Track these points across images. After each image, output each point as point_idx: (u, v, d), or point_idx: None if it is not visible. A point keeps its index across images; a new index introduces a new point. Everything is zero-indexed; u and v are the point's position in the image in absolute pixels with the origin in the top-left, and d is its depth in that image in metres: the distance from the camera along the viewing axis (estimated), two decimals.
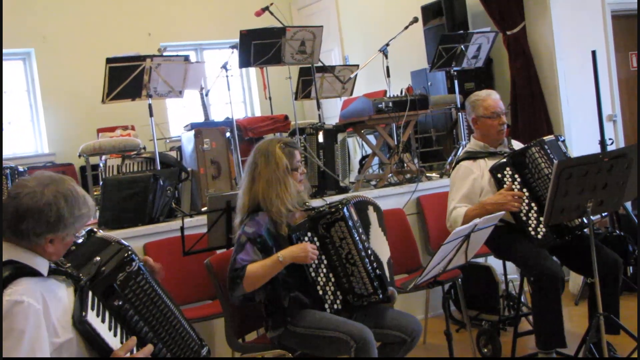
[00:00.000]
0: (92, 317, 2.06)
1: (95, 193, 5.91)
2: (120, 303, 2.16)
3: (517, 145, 4.09)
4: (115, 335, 2.13)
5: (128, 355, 2.11)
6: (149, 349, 2.19)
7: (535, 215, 3.70)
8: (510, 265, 4.46)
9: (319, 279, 3.10)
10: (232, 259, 3.02)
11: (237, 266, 2.97)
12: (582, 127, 6.42)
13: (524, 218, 3.71)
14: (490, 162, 3.87)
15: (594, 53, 5.36)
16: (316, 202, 3.34)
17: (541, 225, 3.67)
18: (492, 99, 3.99)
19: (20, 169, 5.23)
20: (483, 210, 3.68)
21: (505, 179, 3.77)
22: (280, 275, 3.06)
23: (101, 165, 6.33)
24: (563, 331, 3.62)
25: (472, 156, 3.98)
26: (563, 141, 4.01)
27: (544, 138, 3.90)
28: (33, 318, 1.95)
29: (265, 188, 3.11)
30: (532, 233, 3.69)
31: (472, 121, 4.05)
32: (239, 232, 3.11)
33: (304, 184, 3.28)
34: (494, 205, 3.67)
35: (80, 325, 2.03)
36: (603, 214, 3.98)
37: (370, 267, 3.11)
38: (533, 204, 3.72)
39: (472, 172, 3.90)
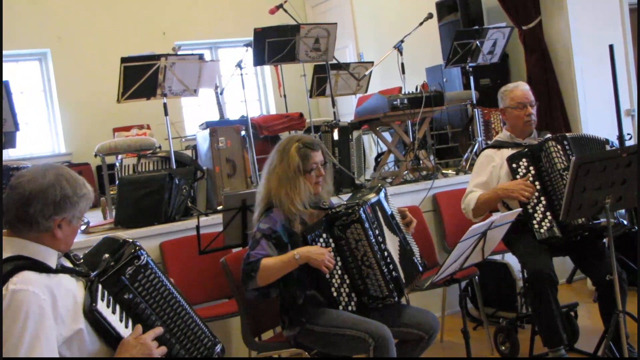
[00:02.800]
0: (102, 307, 2.08)
1: (111, 192, 5.92)
2: (130, 297, 2.17)
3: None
4: (126, 327, 2.15)
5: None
6: (158, 330, 2.19)
7: (542, 209, 3.68)
8: None
9: (334, 280, 3.08)
10: (246, 254, 3.03)
11: (252, 260, 2.97)
12: (600, 122, 6.36)
13: (530, 211, 3.70)
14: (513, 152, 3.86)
15: (611, 47, 5.30)
16: (333, 200, 3.32)
17: (546, 221, 3.66)
18: (520, 89, 3.99)
19: None
20: (494, 195, 3.77)
21: (519, 170, 3.76)
22: (294, 274, 3.05)
23: (117, 164, 6.35)
24: (559, 330, 3.58)
25: (497, 145, 4.00)
26: (612, 145, 3.89)
27: (567, 134, 3.88)
28: (36, 307, 1.95)
29: (277, 185, 3.13)
30: (536, 227, 3.67)
31: (500, 112, 4.07)
32: (254, 228, 3.12)
33: (325, 187, 3.25)
34: (505, 191, 3.72)
35: (91, 314, 2.05)
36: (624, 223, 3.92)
37: (386, 270, 3.09)
38: (542, 198, 3.70)
39: (493, 160, 3.93)
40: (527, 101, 3.94)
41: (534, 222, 3.69)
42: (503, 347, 4.10)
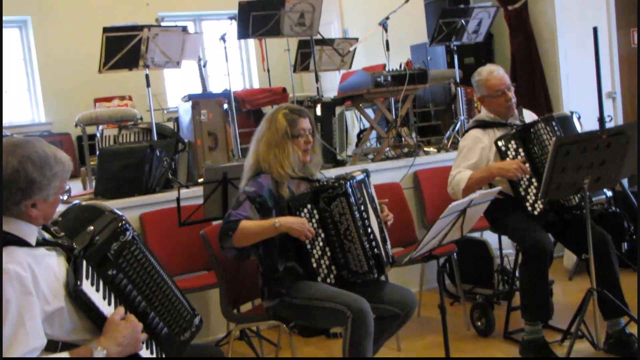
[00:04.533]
0: (87, 287, 2.05)
1: (92, 163, 5.89)
2: (114, 272, 2.15)
3: (528, 114, 4.07)
4: (109, 304, 2.13)
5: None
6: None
7: (534, 190, 3.71)
8: (505, 240, 4.48)
9: (315, 251, 3.10)
10: (227, 213, 3.04)
11: (232, 219, 2.98)
12: (581, 104, 6.38)
13: (523, 193, 3.72)
14: (499, 133, 3.85)
15: (595, 30, 5.32)
16: (317, 176, 3.33)
17: (539, 202, 3.67)
18: (495, 76, 3.91)
19: (16, 137, 5.21)
20: (488, 173, 3.72)
21: (509, 152, 3.76)
22: (277, 241, 3.07)
23: (98, 135, 6.31)
24: (548, 304, 3.65)
25: (482, 125, 3.96)
26: (579, 118, 3.96)
27: (553, 114, 3.88)
28: (19, 285, 1.93)
29: (265, 150, 3.16)
30: (529, 209, 3.70)
31: (478, 100, 4.03)
32: (240, 191, 3.14)
33: (315, 156, 3.27)
34: (500, 170, 3.68)
35: (75, 294, 2.02)
36: (607, 194, 3.97)
37: (367, 245, 3.10)
38: (534, 180, 3.72)
39: (482, 141, 3.89)
40: (505, 86, 3.88)
41: (527, 204, 3.71)
42: (479, 323, 4.16)
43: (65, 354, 1.99)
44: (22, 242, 2.02)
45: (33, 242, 2.05)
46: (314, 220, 3.09)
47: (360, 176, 3.23)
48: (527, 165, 3.72)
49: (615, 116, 6.64)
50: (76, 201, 2.36)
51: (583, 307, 3.46)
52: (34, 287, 1.96)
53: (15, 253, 1.97)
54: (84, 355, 2.00)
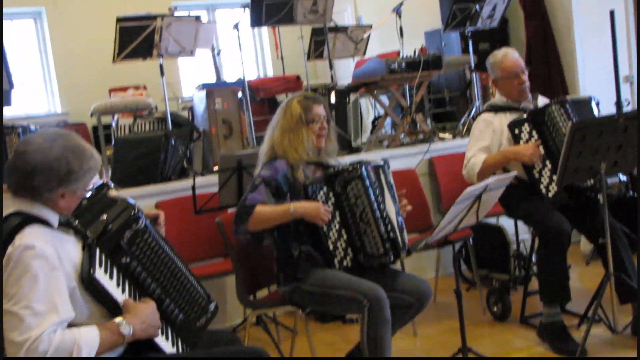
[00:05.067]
0: (100, 274, 2.07)
1: (107, 152, 5.92)
2: (127, 260, 2.17)
3: (543, 100, 4.05)
4: (123, 292, 2.15)
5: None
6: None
7: (548, 173, 3.69)
8: (521, 225, 4.47)
9: (331, 233, 3.11)
10: (243, 197, 3.06)
11: (247, 203, 3.01)
12: (598, 88, 6.32)
13: (537, 176, 3.71)
14: (511, 117, 3.84)
15: (612, 13, 5.25)
16: (332, 163, 3.35)
17: (553, 184, 3.66)
18: (510, 58, 3.91)
19: (32, 128, 5.26)
20: (503, 158, 3.73)
21: (522, 135, 3.75)
22: (291, 225, 3.08)
23: (113, 124, 6.34)
24: (567, 286, 3.64)
25: (494, 109, 3.96)
26: (597, 104, 3.94)
27: (567, 97, 3.85)
28: (46, 261, 1.97)
29: (280, 136, 3.19)
30: (544, 191, 3.68)
31: (492, 82, 4.03)
32: (255, 176, 3.16)
33: (330, 142, 3.30)
34: (516, 154, 3.68)
35: (89, 282, 2.05)
36: (621, 178, 3.95)
37: (383, 229, 3.10)
38: (547, 162, 3.71)
39: (492, 124, 3.88)
40: (519, 69, 3.89)
41: (541, 186, 3.70)
42: (495, 308, 4.15)
43: (93, 327, 2.02)
44: (44, 222, 2.06)
45: (55, 225, 2.10)
46: (329, 204, 3.10)
47: (377, 162, 3.25)
48: (541, 147, 3.71)
49: (633, 100, 6.57)
50: (101, 182, 2.37)
51: (600, 292, 3.45)
52: (59, 263, 2.00)
53: (40, 231, 2.02)
54: (112, 328, 2.04)
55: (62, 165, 2.07)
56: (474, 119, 5.77)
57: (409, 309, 3.15)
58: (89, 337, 1.98)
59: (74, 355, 1.93)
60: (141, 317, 2.10)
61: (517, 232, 4.53)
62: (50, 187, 2.07)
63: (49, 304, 1.95)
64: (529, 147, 3.67)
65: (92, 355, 1.98)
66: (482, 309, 4.25)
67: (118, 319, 2.07)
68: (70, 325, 2.02)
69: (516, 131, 3.77)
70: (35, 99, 9.02)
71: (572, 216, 3.86)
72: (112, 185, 2.37)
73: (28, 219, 2.03)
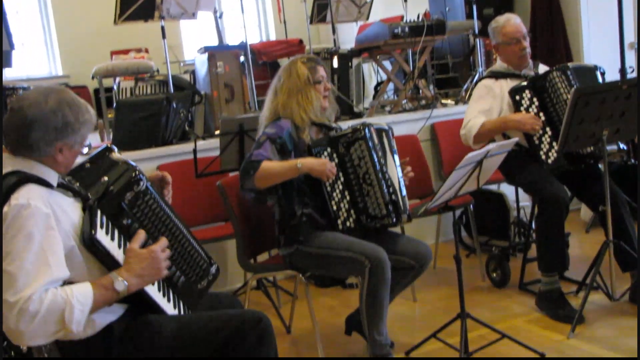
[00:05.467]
0: (101, 235, 2.07)
1: (109, 115, 5.91)
2: (129, 222, 2.17)
3: (543, 69, 4.03)
4: (124, 253, 2.15)
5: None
6: (164, 242, 2.21)
7: (548, 140, 3.69)
8: (522, 192, 4.47)
9: (334, 194, 3.13)
10: (248, 154, 3.07)
11: (253, 159, 3.01)
12: (602, 54, 6.28)
13: (537, 142, 3.70)
14: (511, 84, 3.83)
15: None
16: (334, 125, 3.36)
17: (553, 150, 3.67)
18: (511, 24, 3.90)
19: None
20: (502, 124, 3.75)
21: (523, 102, 3.74)
22: (295, 184, 3.09)
23: (115, 87, 6.31)
24: (565, 255, 3.67)
25: (494, 75, 3.95)
26: (603, 73, 3.91)
27: (569, 64, 3.84)
28: (41, 221, 1.97)
29: (286, 98, 3.19)
30: (543, 157, 3.69)
31: (493, 47, 4.02)
32: (259, 133, 3.16)
33: (331, 104, 3.30)
34: (516, 123, 3.69)
35: (91, 242, 2.05)
36: (621, 146, 3.94)
37: (386, 190, 3.11)
38: (548, 129, 3.70)
39: (493, 90, 3.88)
40: (520, 35, 3.87)
41: (541, 152, 3.70)
42: (494, 274, 4.18)
43: (86, 284, 2.02)
44: (43, 182, 2.06)
45: (54, 184, 2.09)
46: (334, 166, 3.11)
47: (380, 126, 3.26)
48: (541, 114, 3.71)
49: (637, 67, 6.52)
50: (106, 145, 2.36)
51: (599, 259, 3.47)
52: (56, 222, 2.00)
53: (36, 190, 2.01)
54: (106, 284, 2.04)
55: (58, 117, 2.07)
56: (479, 80, 5.77)
57: (409, 271, 3.18)
58: (82, 295, 1.97)
59: (67, 314, 1.93)
60: (137, 271, 2.08)
61: (518, 199, 4.54)
62: (48, 140, 2.07)
63: (43, 263, 1.94)
64: (531, 117, 3.66)
65: (86, 313, 1.98)
66: (482, 275, 4.28)
67: (113, 274, 2.06)
68: (69, 282, 2.02)
69: (517, 97, 3.76)
70: (37, 61, 8.97)
71: (573, 184, 3.86)
72: (115, 148, 2.36)
73: (25, 179, 2.02)
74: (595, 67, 3.93)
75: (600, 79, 3.89)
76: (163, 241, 2.20)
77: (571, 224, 4.95)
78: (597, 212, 3.70)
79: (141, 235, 2.16)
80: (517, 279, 4.03)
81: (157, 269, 2.13)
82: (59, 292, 1.95)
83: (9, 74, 7.95)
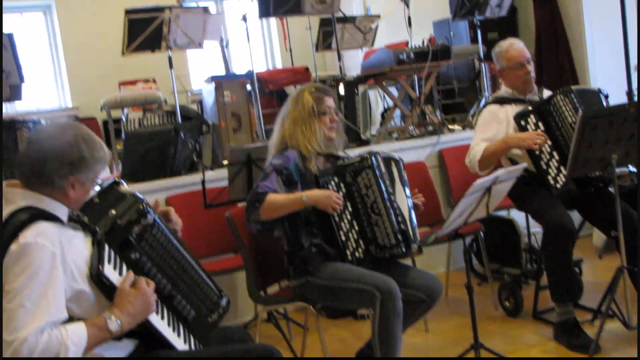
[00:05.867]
0: (109, 271, 2.07)
1: (117, 146, 5.93)
2: (136, 256, 2.17)
3: (548, 94, 4.03)
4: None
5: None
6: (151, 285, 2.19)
7: (556, 164, 3.67)
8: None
9: (343, 224, 3.11)
10: (254, 185, 3.06)
11: (259, 191, 3.01)
12: (609, 77, 6.28)
13: (544, 167, 3.68)
14: (517, 109, 3.83)
15: (622, 0, 5.20)
16: (341, 154, 3.35)
17: (561, 175, 3.65)
18: (515, 48, 3.91)
19: (43, 122, 5.26)
20: (504, 145, 3.71)
21: (528, 127, 3.74)
22: (302, 215, 3.08)
23: (123, 118, 6.34)
24: (574, 284, 3.61)
25: (499, 101, 3.94)
26: (607, 97, 3.91)
27: (573, 87, 3.84)
28: (47, 260, 1.96)
29: (292, 127, 3.20)
30: (552, 182, 3.66)
31: (498, 73, 4.02)
32: (266, 164, 3.17)
33: (339, 134, 3.30)
34: (516, 140, 3.67)
35: (98, 278, 2.05)
36: (630, 169, 3.92)
37: (395, 219, 3.09)
38: (555, 153, 3.68)
39: (498, 116, 3.87)
40: (524, 59, 3.87)
41: (549, 177, 3.67)
42: (507, 303, 4.13)
43: (80, 324, 2.01)
44: (52, 218, 2.06)
45: (64, 220, 2.10)
46: (340, 194, 3.11)
47: (388, 154, 3.26)
48: (547, 139, 3.69)
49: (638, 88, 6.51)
50: (113, 179, 2.37)
51: (613, 286, 3.42)
52: (62, 263, 1.99)
53: (45, 228, 2.01)
54: (99, 324, 2.03)
55: (74, 151, 2.09)
56: (484, 107, 5.77)
57: (420, 305, 3.13)
58: (76, 335, 1.97)
59: (62, 355, 1.93)
60: (129, 309, 2.07)
61: (529, 225, 4.50)
62: (62, 174, 2.08)
63: (43, 303, 1.94)
64: (530, 133, 3.66)
65: (80, 353, 1.97)
66: (494, 304, 4.23)
67: (106, 314, 2.05)
68: (78, 319, 2.02)
69: (522, 122, 3.75)
70: (46, 93, 9.02)
71: (584, 208, 3.83)
72: (123, 182, 2.36)
73: (36, 215, 2.02)
74: (599, 90, 3.92)
75: (604, 102, 3.88)
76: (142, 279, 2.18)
77: (584, 250, 4.92)
78: (611, 237, 3.67)
79: (130, 275, 2.14)
80: (531, 307, 3.98)
81: (147, 304, 2.12)
82: (54, 333, 1.94)
83: (18, 106, 8.03)
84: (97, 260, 2.07)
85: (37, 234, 1.98)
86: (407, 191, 3.24)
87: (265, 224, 3.06)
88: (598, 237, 5.10)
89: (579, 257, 4.34)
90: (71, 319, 2.02)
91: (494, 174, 3.06)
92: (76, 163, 2.09)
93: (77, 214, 2.20)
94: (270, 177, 3.06)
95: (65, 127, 2.14)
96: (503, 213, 4.80)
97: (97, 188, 2.26)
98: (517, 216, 4.64)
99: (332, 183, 3.13)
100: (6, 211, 2.05)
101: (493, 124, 3.85)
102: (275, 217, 3.04)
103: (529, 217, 4.42)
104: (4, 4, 8.35)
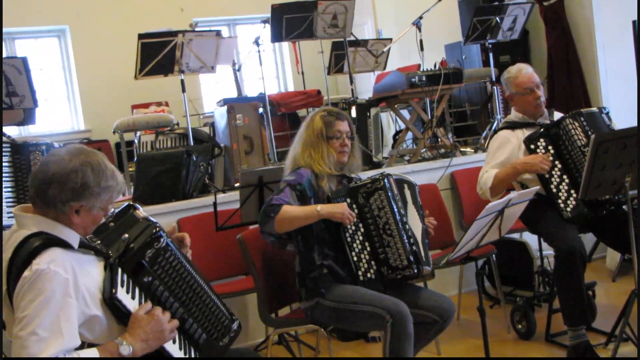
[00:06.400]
0: (122, 294, 2.08)
1: (129, 169, 5.96)
2: (149, 279, 2.17)
3: (558, 116, 4.03)
4: None
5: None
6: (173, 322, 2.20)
7: (566, 187, 3.67)
8: None
9: (355, 245, 3.11)
10: (269, 198, 3.08)
11: (274, 202, 3.03)
12: (621, 100, 6.27)
13: (555, 190, 3.68)
14: (527, 133, 3.84)
15: (634, 23, 5.21)
16: (353, 176, 3.36)
17: (571, 199, 3.64)
18: (524, 74, 3.91)
19: (56, 145, 5.30)
20: (513, 170, 3.72)
21: (538, 150, 3.74)
22: (315, 231, 3.08)
23: (135, 141, 6.38)
24: (586, 308, 3.57)
25: (511, 126, 3.95)
26: (607, 113, 3.92)
27: (582, 110, 3.84)
28: (59, 287, 1.97)
29: (302, 149, 3.25)
30: (562, 206, 3.65)
31: (508, 98, 4.03)
32: (281, 182, 3.20)
33: (354, 159, 3.31)
34: (524, 165, 3.68)
35: (111, 302, 2.05)
36: None
37: (407, 241, 3.09)
38: (565, 177, 3.68)
39: (510, 141, 3.88)
40: (534, 84, 3.88)
41: (559, 201, 3.66)
42: (520, 326, 4.10)
43: (93, 351, 2.01)
44: (64, 244, 2.06)
45: (75, 246, 2.10)
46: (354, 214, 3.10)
47: (401, 177, 3.27)
48: (557, 162, 3.69)
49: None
50: (128, 203, 2.37)
51: (627, 309, 3.38)
52: (74, 289, 2.00)
53: (57, 254, 2.02)
54: (111, 350, 2.03)
55: (77, 177, 2.08)
56: (495, 132, 5.77)
57: (432, 326, 3.12)
58: None
59: None
60: (142, 336, 2.08)
61: (541, 248, 4.46)
62: (63, 199, 2.08)
63: (56, 331, 1.94)
64: (537, 157, 3.65)
65: None
66: (507, 326, 4.20)
67: (118, 339, 2.05)
68: (90, 345, 2.03)
69: (532, 146, 3.76)
70: (59, 117, 9.11)
71: (598, 230, 3.81)
72: (138, 206, 2.36)
73: (48, 242, 2.03)
74: (600, 110, 3.91)
75: (607, 120, 3.87)
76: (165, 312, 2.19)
77: (597, 273, 4.88)
78: (625, 259, 3.64)
79: (147, 305, 2.15)
80: (544, 330, 3.95)
81: (161, 332, 2.12)
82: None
83: (32, 129, 8.10)
84: (110, 284, 2.08)
85: (49, 260, 1.99)
86: (421, 214, 3.23)
87: (278, 237, 3.07)
88: (611, 259, 5.06)
89: (592, 280, 4.31)
90: (83, 344, 2.03)
91: (507, 197, 3.06)
92: (78, 190, 2.09)
93: (90, 237, 2.21)
94: (284, 191, 3.09)
95: (75, 152, 2.13)
96: (515, 235, 4.78)
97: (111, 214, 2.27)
98: (529, 238, 4.61)
99: (345, 204, 3.13)
100: (19, 235, 2.06)
101: (504, 149, 3.85)
102: (289, 229, 3.05)
103: (542, 240, 4.40)
104: (20, 29, 8.53)
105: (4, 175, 4.12)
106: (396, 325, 2.89)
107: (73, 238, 2.11)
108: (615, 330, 3.52)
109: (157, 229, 2.23)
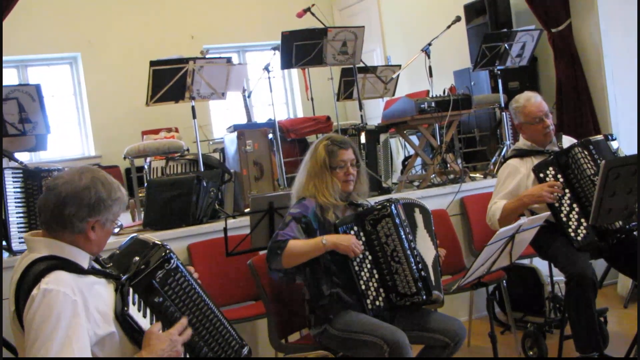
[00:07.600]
0: (133, 312, 2.11)
1: (140, 195, 5.98)
2: (160, 300, 2.20)
3: (567, 140, 4.03)
4: None
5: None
6: (184, 320, 2.23)
7: (576, 216, 3.65)
8: None
9: (363, 273, 3.11)
10: (274, 234, 3.08)
11: (280, 239, 3.03)
12: (631, 126, 6.27)
13: (565, 219, 3.66)
14: (537, 161, 3.84)
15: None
16: (361, 202, 3.36)
17: (582, 227, 3.62)
18: (532, 103, 3.91)
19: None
20: (520, 203, 3.71)
21: (547, 179, 3.73)
22: (322, 262, 3.08)
23: (146, 167, 6.41)
24: (597, 334, 3.55)
25: (520, 154, 3.95)
26: (614, 139, 3.92)
27: (590, 138, 3.83)
28: (68, 308, 1.99)
29: (305, 180, 3.24)
30: (572, 235, 3.64)
31: (516, 127, 4.03)
32: (286, 214, 3.20)
33: (359, 184, 3.30)
34: (530, 197, 3.67)
35: (123, 318, 2.08)
36: None
37: (415, 267, 3.09)
38: (575, 205, 3.66)
39: (519, 170, 3.88)
40: (543, 113, 3.88)
41: (570, 230, 3.65)
42: (531, 352, 4.07)
43: None
44: (73, 266, 2.09)
45: (85, 265, 2.14)
46: (360, 242, 3.10)
47: (412, 201, 3.28)
48: (567, 190, 3.68)
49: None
50: (134, 234, 2.41)
51: (639, 336, 3.36)
52: (84, 310, 2.02)
53: (62, 277, 2.04)
54: None
55: (91, 193, 2.14)
56: (504, 158, 5.77)
57: (443, 349, 3.11)
58: None
59: None
60: (158, 353, 2.09)
61: (552, 274, 4.45)
62: (81, 216, 2.12)
63: (67, 352, 1.95)
64: (543, 186, 3.64)
65: None
66: (518, 353, 4.17)
67: (135, 357, 2.07)
68: None
69: (541, 175, 3.75)
70: (70, 143, 9.18)
71: (610, 256, 3.79)
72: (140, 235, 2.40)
73: (54, 265, 2.06)
74: (606, 137, 3.91)
75: (614, 147, 3.88)
76: (181, 324, 2.21)
77: (608, 299, 4.85)
78: (636, 286, 3.62)
79: (158, 325, 2.17)
80: (555, 356, 3.91)
81: (176, 352, 2.14)
82: None
83: (43, 155, 8.16)
84: (121, 303, 2.10)
85: (56, 281, 2.01)
86: (434, 240, 3.23)
87: (286, 272, 3.07)
88: (623, 286, 5.03)
89: (604, 306, 4.27)
90: None
91: (518, 222, 3.06)
92: (94, 205, 2.14)
93: (104, 259, 2.24)
94: (289, 225, 3.08)
95: (81, 170, 2.19)
96: (526, 261, 4.76)
97: (117, 230, 2.31)
98: (540, 264, 4.60)
99: (352, 232, 3.13)
100: (29, 259, 2.09)
101: (513, 179, 3.86)
102: (297, 264, 3.05)
103: (552, 265, 4.39)
104: (33, 56, 8.64)
105: (15, 200, 4.15)
106: (393, 354, 2.89)
107: (82, 258, 2.14)
108: (628, 357, 3.48)
109: (168, 251, 2.27)
